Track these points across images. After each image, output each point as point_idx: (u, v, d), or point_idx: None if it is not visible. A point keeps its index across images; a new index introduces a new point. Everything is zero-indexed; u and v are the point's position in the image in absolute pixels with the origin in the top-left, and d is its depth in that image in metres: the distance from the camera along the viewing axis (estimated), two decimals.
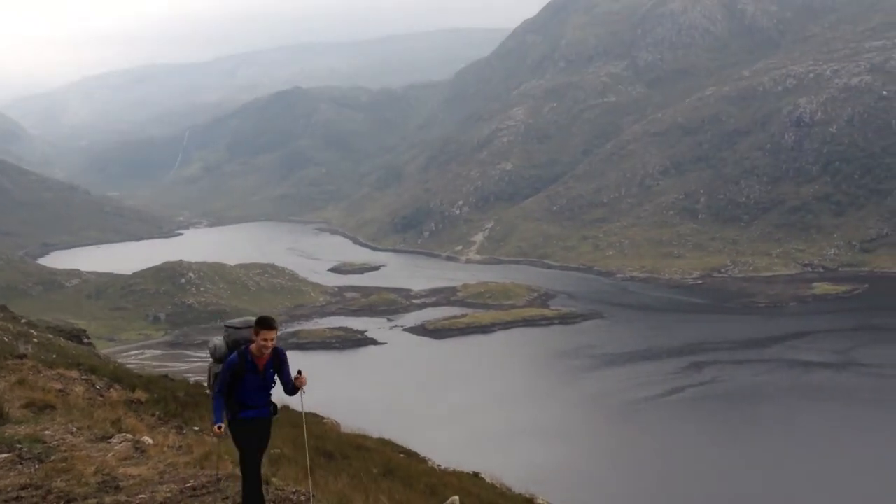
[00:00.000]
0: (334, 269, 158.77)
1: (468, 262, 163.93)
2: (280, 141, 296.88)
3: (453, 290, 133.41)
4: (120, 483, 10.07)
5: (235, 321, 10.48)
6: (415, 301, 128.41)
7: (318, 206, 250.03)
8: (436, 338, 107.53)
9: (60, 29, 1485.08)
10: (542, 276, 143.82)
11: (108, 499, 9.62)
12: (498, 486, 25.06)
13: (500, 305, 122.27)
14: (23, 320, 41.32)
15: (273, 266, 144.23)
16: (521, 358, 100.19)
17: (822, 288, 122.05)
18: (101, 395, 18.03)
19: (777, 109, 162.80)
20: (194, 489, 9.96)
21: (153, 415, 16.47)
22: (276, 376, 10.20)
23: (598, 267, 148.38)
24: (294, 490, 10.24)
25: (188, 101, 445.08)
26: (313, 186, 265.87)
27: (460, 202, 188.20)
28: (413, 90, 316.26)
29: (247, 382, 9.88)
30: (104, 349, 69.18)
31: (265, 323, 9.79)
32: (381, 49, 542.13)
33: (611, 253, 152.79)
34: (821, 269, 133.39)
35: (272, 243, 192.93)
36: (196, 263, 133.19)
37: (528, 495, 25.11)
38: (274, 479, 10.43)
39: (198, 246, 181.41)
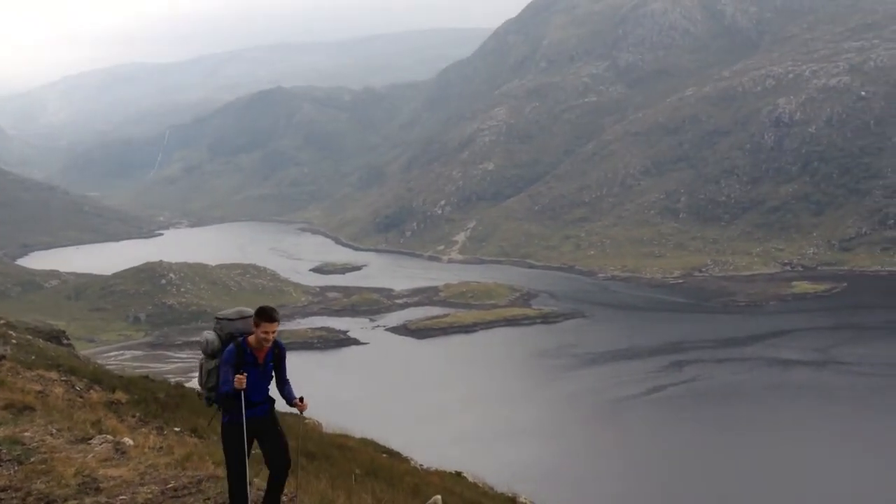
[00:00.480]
0: (316, 270, 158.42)
1: (450, 261, 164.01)
2: (261, 141, 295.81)
3: (435, 289, 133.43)
4: (100, 484, 10.01)
5: (228, 312, 9.87)
6: (397, 301, 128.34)
7: (299, 206, 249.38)
8: (418, 338, 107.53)
9: (38, 29, 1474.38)
10: (524, 276, 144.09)
11: (88, 500, 9.56)
12: (480, 485, 25.10)
13: (482, 305, 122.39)
14: (1, 321, 41.00)
15: (254, 266, 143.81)
16: (503, 357, 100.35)
17: (801, 287, 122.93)
18: (81, 397, 17.93)
19: (757, 110, 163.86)
20: (175, 490, 9.92)
21: (134, 416, 16.39)
22: (272, 371, 9.63)
23: (579, 266, 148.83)
24: None
25: (168, 100, 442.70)
26: (295, 186, 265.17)
27: (442, 202, 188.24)
28: (395, 90, 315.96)
29: (249, 376, 9.32)
30: (84, 350, 68.69)
31: (267, 314, 9.29)
32: (364, 49, 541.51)
33: (592, 252, 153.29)
34: (800, 268, 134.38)
35: (253, 243, 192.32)
36: (177, 264, 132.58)
37: (510, 494, 25.17)
38: (256, 480, 10.38)
39: (178, 246, 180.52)
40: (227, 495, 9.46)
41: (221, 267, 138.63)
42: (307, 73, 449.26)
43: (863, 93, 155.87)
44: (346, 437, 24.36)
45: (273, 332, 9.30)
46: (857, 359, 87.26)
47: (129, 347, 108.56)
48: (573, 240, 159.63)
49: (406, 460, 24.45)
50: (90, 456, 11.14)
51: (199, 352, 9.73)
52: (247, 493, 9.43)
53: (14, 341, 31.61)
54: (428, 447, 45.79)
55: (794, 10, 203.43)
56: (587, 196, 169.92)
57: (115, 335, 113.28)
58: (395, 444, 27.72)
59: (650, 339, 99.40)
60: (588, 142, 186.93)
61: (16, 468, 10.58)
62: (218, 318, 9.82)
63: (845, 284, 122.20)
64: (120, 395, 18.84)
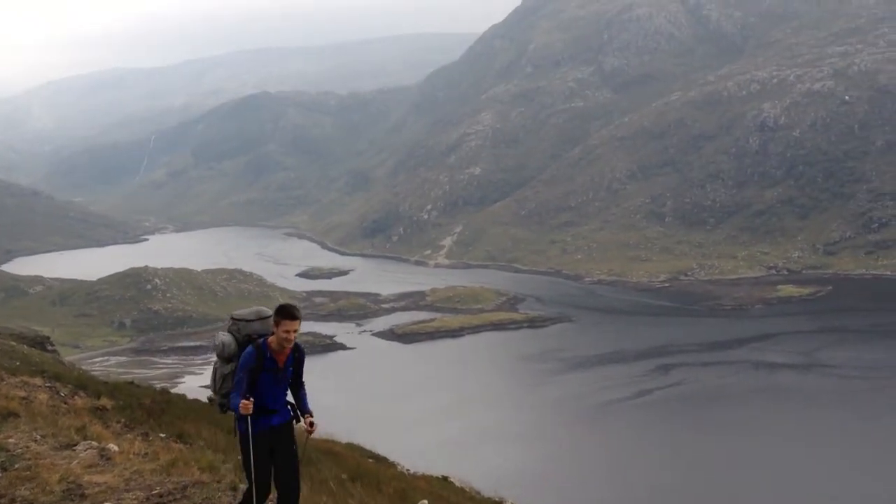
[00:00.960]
0: (303, 274, 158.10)
1: (437, 266, 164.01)
2: (247, 146, 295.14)
3: (422, 294, 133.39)
4: (85, 491, 9.97)
5: (244, 312, 9.18)
6: (384, 306, 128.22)
7: (285, 212, 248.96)
8: (405, 342, 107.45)
9: (22, 34, 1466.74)
10: (511, 280, 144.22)
11: None
12: (467, 489, 25.12)
13: (469, 309, 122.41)
14: None
15: (241, 271, 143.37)
16: (490, 362, 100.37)
17: (786, 290, 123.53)
18: (66, 403, 17.84)
19: (742, 114, 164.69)
20: (160, 496, 9.88)
21: (119, 422, 16.31)
22: (291, 374, 9.02)
23: (566, 270, 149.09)
24: None
25: (153, 105, 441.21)
26: (281, 191, 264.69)
27: (429, 207, 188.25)
28: (381, 95, 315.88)
29: (264, 382, 8.75)
30: (68, 356, 68.35)
31: (288, 312, 8.64)
32: (349, 53, 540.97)
33: (579, 257, 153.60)
34: (785, 272, 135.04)
35: (239, 249, 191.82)
36: (162, 269, 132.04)
37: (497, 498, 25.20)
38: (242, 485, 10.35)
39: (164, 251, 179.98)
40: (213, 502, 9.40)
41: (207, 272, 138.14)
42: (293, 77, 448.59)
43: (847, 97, 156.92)
44: (332, 442, 24.32)
45: (295, 332, 8.72)
46: (841, 362, 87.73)
47: (115, 353, 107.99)
48: (559, 244, 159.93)
49: (392, 465, 24.44)
50: (75, 462, 11.09)
51: (213, 355, 9.24)
52: None
53: None
54: (414, 452, 45.74)
55: (779, 15, 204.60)
56: (573, 200, 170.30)
57: (100, 341, 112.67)
58: (381, 449, 27.70)
59: (636, 343, 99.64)
60: (574, 146, 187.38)
61: (0, 475, 10.52)
62: (234, 319, 9.17)
63: (830, 288, 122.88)
64: (105, 401, 18.75)
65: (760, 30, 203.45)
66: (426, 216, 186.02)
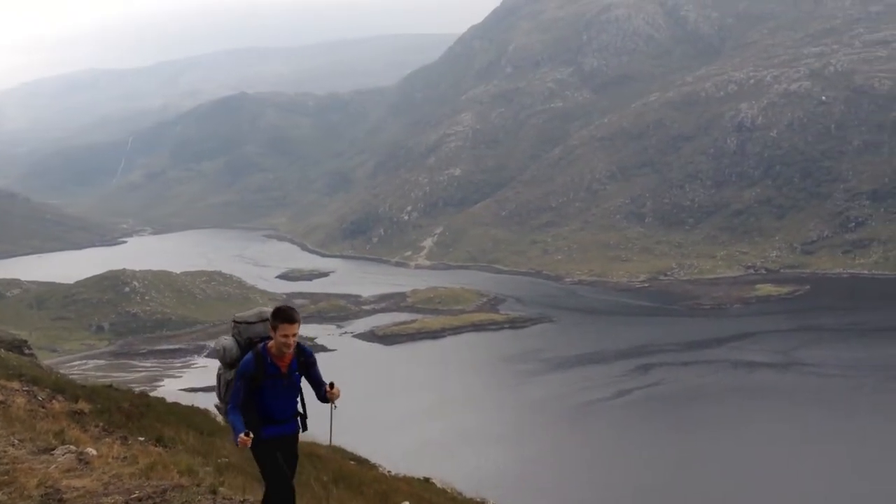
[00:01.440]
0: (283, 276, 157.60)
1: (417, 267, 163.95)
2: (225, 147, 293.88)
3: (403, 295, 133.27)
4: (63, 495, 9.85)
5: (247, 314, 8.82)
6: (364, 307, 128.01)
7: (264, 213, 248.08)
8: (386, 344, 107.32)
9: None
10: (492, 281, 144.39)
11: None
12: (449, 490, 25.08)
13: (450, 311, 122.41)
14: None
15: (220, 273, 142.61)
16: (471, 363, 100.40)
17: (765, 289, 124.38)
18: (44, 407, 17.65)
19: (719, 115, 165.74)
20: (140, 500, 9.78)
21: (97, 426, 16.15)
22: (301, 380, 8.62)
23: (546, 271, 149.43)
24: (242, 499, 10.11)
25: (130, 106, 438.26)
26: (260, 193, 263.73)
27: (409, 208, 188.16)
28: (360, 95, 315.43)
29: (268, 390, 8.34)
30: (46, 360, 67.73)
31: (284, 315, 8.23)
32: (327, 54, 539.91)
33: (559, 257, 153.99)
34: (763, 271, 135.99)
35: (218, 251, 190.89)
36: (140, 272, 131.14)
37: (478, 499, 25.18)
38: (221, 489, 10.26)
39: (142, 254, 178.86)
40: None
41: (186, 274, 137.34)
42: (270, 78, 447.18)
43: (823, 97, 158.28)
44: (313, 444, 24.19)
45: (294, 336, 8.28)
46: (819, 360, 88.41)
47: (93, 357, 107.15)
48: (540, 245, 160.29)
49: (374, 467, 24.36)
50: (53, 467, 10.96)
51: (217, 361, 8.79)
52: None
53: None
54: (396, 454, 45.65)
55: (756, 17, 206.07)
56: (554, 201, 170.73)
57: (78, 344, 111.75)
58: (363, 450, 27.60)
59: (617, 343, 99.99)
60: (554, 147, 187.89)
61: None
62: (236, 322, 8.80)
63: (808, 287, 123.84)
64: (83, 405, 18.57)
65: (737, 31, 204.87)
66: (406, 217, 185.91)
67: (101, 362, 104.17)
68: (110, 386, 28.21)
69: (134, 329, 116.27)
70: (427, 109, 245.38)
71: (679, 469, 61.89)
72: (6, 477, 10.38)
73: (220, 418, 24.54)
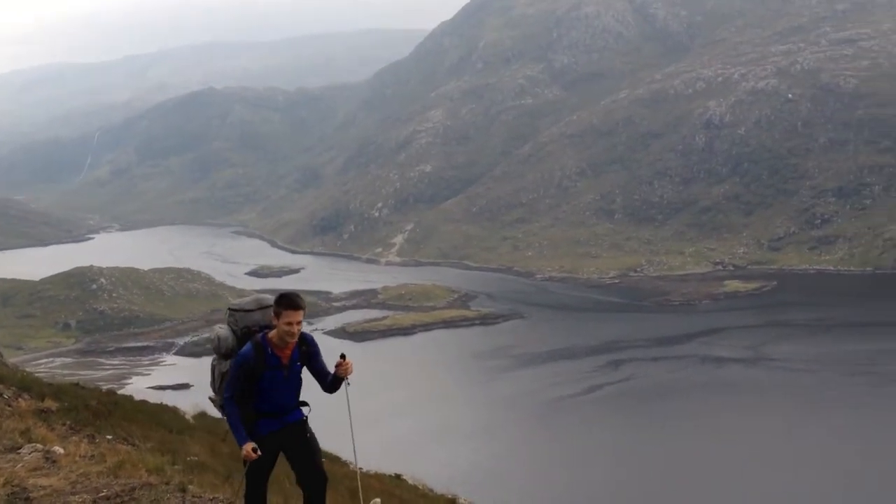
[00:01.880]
0: (252, 273, 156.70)
1: (388, 264, 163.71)
2: (193, 143, 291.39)
3: (374, 292, 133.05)
4: (30, 494, 9.69)
5: (244, 301, 8.31)
6: (335, 304, 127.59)
7: (233, 209, 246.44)
8: (357, 340, 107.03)
9: None
10: (463, 278, 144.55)
11: None
12: (420, 487, 25.06)
13: (421, 307, 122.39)
14: None
15: (188, 270, 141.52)
16: (442, 359, 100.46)
17: (732, 285, 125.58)
18: (10, 405, 17.38)
19: (688, 112, 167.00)
20: (108, 499, 9.64)
21: (64, 424, 15.93)
22: (302, 370, 8.21)
23: (517, 267, 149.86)
24: (212, 497, 10.00)
25: (96, 101, 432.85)
26: (229, 189, 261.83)
27: (380, 204, 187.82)
28: (330, 91, 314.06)
29: (267, 382, 7.92)
30: (12, 358, 66.79)
31: (289, 301, 7.74)
32: (296, 49, 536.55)
33: (530, 253, 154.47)
34: (731, 267, 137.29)
35: (187, 247, 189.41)
36: (107, 268, 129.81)
37: (450, 496, 25.18)
38: (190, 487, 10.15)
39: (109, 250, 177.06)
40: None
41: (154, 271, 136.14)
42: (239, 73, 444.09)
43: (790, 95, 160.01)
44: None
45: (298, 324, 7.80)
46: (786, 355, 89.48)
47: (59, 354, 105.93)
48: (511, 241, 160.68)
49: (345, 464, 24.26)
50: (19, 465, 10.79)
51: (211, 351, 8.38)
52: None
53: None
54: (367, 450, 45.51)
55: (724, 14, 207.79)
56: (524, 197, 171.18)
57: (45, 342, 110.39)
58: (333, 447, 27.47)
59: (587, 339, 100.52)
60: (524, 143, 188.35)
61: None
62: (232, 310, 8.25)
63: (775, 283, 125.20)
64: (50, 403, 18.29)
65: (706, 29, 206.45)
66: (377, 214, 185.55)
67: (68, 360, 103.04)
68: (77, 384, 27.86)
69: (101, 326, 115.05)
70: (397, 105, 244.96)
71: (648, 463, 62.33)
72: None
73: (189, 416, 24.32)
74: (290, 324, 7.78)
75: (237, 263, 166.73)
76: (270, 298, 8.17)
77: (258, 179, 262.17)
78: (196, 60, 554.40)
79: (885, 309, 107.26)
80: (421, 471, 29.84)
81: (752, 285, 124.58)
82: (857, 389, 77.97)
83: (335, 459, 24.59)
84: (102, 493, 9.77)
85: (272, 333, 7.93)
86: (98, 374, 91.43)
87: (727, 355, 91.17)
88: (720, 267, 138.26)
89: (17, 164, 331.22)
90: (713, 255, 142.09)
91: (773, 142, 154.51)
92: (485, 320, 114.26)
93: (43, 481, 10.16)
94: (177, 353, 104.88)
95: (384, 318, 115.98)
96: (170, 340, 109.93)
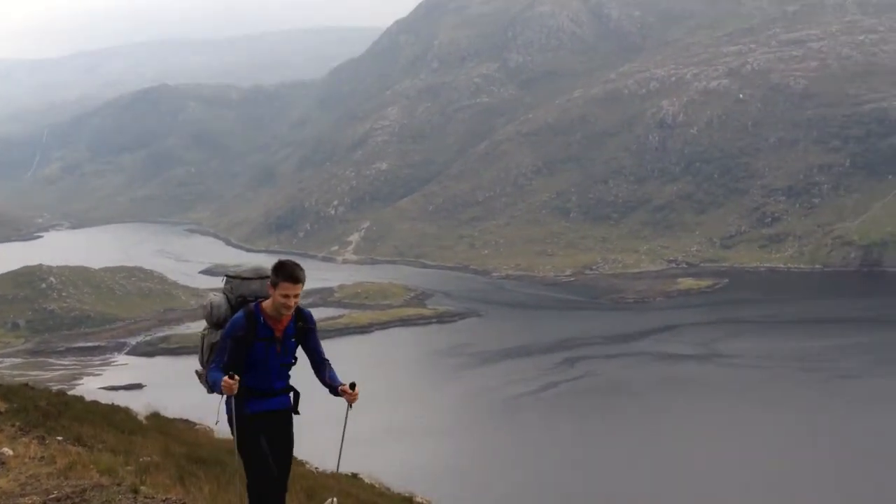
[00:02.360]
0: (206, 272, 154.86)
1: (345, 262, 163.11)
2: (146, 140, 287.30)
3: (330, 290, 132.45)
4: None
5: (242, 269, 7.87)
6: None
7: (187, 207, 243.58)
8: None
9: None
10: (419, 276, 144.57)
11: None
12: (377, 486, 25.02)
13: (378, 305, 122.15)
14: None
15: (141, 269, 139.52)
16: (399, 357, 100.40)
17: (686, 283, 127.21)
18: None
19: (642, 111, 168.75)
20: (58, 500, 9.49)
21: (13, 425, 15.64)
22: (297, 349, 7.77)
23: (474, 266, 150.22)
24: (164, 498, 9.87)
25: (46, 98, 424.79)
26: (182, 186, 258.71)
27: (336, 202, 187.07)
28: (285, 88, 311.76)
29: (257, 355, 7.41)
30: None
31: (288, 272, 7.29)
32: (251, 46, 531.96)
33: (486, 252, 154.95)
34: (685, 265, 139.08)
35: (139, 245, 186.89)
36: (57, 267, 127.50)
37: (406, 494, 25.17)
38: (143, 487, 10.01)
39: (59, 249, 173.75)
40: None
41: (105, 270, 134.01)
42: (193, 70, 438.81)
43: (741, 95, 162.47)
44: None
45: (296, 297, 7.42)
46: (738, 352, 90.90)
47: (8, 355, 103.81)
48: (467, 239, 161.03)
49: (301, 463, 24.10)
50: None
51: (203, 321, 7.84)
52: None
53: None
54: (323, 450, 45.32)
55: (676, 15, 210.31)
56: (480, 196, 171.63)
57: None
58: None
59: (543, 337, 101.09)
60: (480, 142, 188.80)
61: None
62: (229, 277, 7.78)
63: (727, 280, 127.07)
64: None
65: (659, 29, 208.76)
66: (333, 212, 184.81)
67: (17, 360, 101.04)
68: (27, 384, 27.35)
69: (51, 326, 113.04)
70: (353, 103, 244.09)
71: (604, 459, 62.89)
72: None
73: (141, 417, 23.98)
74: (286, 296, 7.36)
75: (190, 262, 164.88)
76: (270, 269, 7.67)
77: (212, 177, 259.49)
78: (150, 57, 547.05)
79: (834, 306, 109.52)
80: (378, 469, 29.77)
81: (704, 283, 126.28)
82: (806, 385, 79.47)
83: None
84: (53, 495, 9.63)
85: (266, 303, 7.49)
86: (48, 374, 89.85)
87: (680, 352, 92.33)
88: (674, 265, 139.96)
89: None
90: (667, 253, 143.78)
91: (725, 141, 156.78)
92: (441, 318, 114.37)
93: None
94: (129, 353, 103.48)
95: (340, 316, 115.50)
96: (122, 340, 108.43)
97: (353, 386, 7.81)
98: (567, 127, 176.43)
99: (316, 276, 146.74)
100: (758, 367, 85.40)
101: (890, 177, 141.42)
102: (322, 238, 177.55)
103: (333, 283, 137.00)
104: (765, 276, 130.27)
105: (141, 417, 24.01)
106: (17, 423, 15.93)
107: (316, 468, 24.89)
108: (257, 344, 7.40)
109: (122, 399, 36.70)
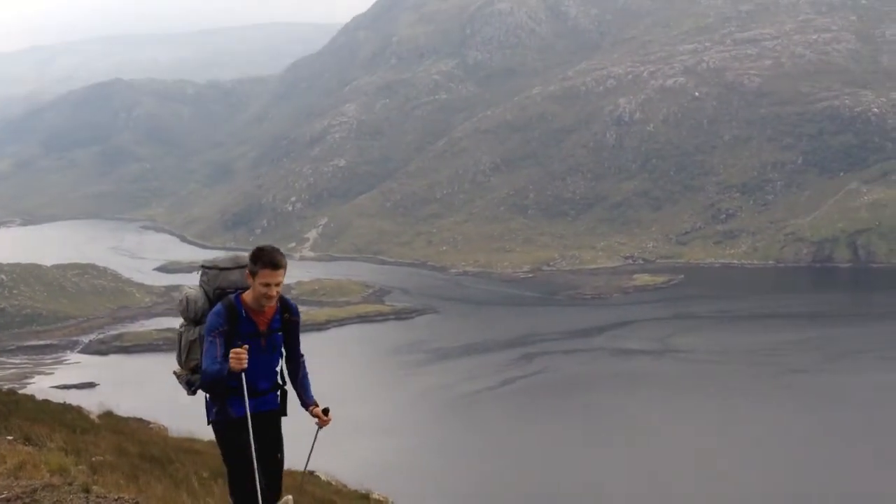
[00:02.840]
0: (161, 269, 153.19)
1: (302, 259, 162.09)
2: (99, 135, 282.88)
3: (287, 287, 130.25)
4: None
5: (219, 258, 7.28)
6: None
7: (141, 204, 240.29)
8: None
9: None
10: (377, 272, 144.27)
11: None
12: (334, 483, 24.93)
13: (335, 302, 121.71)
14: None
15: (94, 266, 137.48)
16: (356, 354, 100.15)
17: (642, 279, 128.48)
18: None
19: (599, 109, 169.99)
20: (8, 500, 9.34)
21: None
22: (283, 341, 7.25)
23: (432, 262, 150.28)
24: (117, 497, 9.76)
25: None
26: (136, 183, 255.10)
27: (293, 199, 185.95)
28: (242, 84, 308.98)
29: (248, 349, 6.78)
30: None
31: (268, 258, 6.70)
32: (207, 42, 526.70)
33: (444, 248, 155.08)
34: (641, 261, 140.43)
35: (92, 242, 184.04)
36: (8, 265, 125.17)
37: (363, 491, 25.12)
38: (95, 487, 9.88)
39: (10, 246, 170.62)
40: None
41: (57, 267, 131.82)
42: (147, 65, 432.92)
43: (696, 93, 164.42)
44: (193, 440, 23.64)
45: (277, 286, 6.85)
46: (692, 347, 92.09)
47: None
48: (425, 236, 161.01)
49: None
50: None
51: (180, 318, 7.30)
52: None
53: None
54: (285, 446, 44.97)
55: (633, 13, 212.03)
56: (438, 192, 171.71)
57: None
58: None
59: (501, 333, 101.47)
60: (439, 139, 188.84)
61: None
62: (205, 268, 7.22)
63: (682, 276, 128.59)
64: None
65: (615, 27, 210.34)
66: (290, 208, 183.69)
67: None
68: None
69: (1, 325, 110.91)
70: (311, 99, 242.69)
71: (560, 455, 63.28)
72: None
73: (94, 416, 23.63)
74: (267, 284, 6.76)
75: (145, 259, 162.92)
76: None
77: (167, 174, 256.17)
78: (103, 52, 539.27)
79: (786, 301, 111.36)
80: (334, 467, 29.65)
81: (660, 279, 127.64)
82: (759, 379, 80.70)
83: None
84: (2, 496, 9.50)
85: (246, 294, 6.91)
86: None
87: (636, 347, 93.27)
88: (630, 261, 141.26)
89: None
90: (623, 249, 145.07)
91: (681, 139, 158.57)
92: (399, 315, 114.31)
93: None
94: (81, 352, 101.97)
95: None
96: (74, 338, 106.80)
97: (326, 411, 7.39)
98: (525, 124, 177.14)
99: None
100: (712, 362, 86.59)
101: (841, 174, 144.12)
102: (279, 235, 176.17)
103: (291, 280, 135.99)
104: (719, 272, 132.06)
105: (93, 416, 23.67)
106: None
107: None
108: (239, 342, 6.79)
109: (74, 398, 36.15)
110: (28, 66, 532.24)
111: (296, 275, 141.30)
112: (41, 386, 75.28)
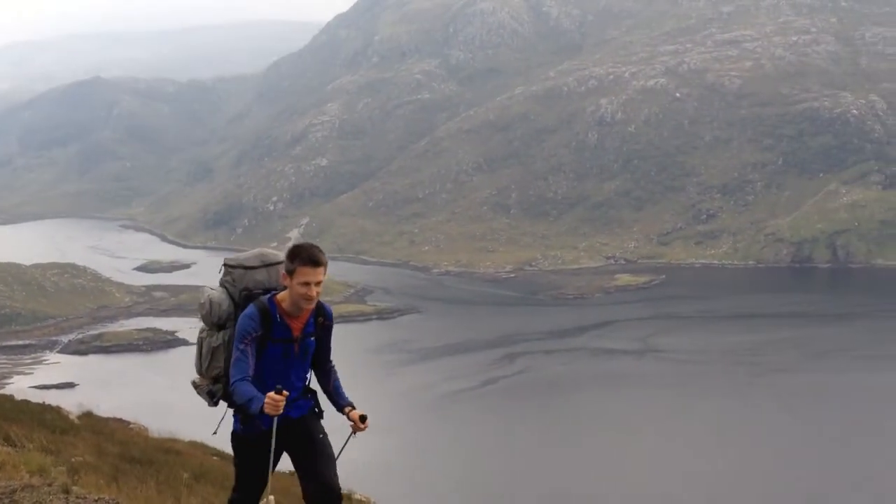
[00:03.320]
0: (141, 268, 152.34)
1: None
2: (79, 134, 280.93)
3: None
4: None
5: (243, 256, 6.60)
6: None
7: (121, 203, 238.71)
8: None
9: None
10: (359, 272, 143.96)
11: None
12: None
13: None
14: None
15: (73, 266, 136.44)
16: (338, 354, 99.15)
17: (623, 279, 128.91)
18: None
19: (581, 109, 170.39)
20: None
21: None
22: (315, 347, 6.80)
23: (414, 262, 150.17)
24: (97, 498, 9.62)
25: None
26: (116, 182, 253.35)
27: (274, 198, 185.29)
28: (223, 83, 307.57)
29: (272, 359, 6.37)
30: None
31: (308, 256, 6.12)
32: (188, 40, 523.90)
33: (427, 248, 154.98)
34: (622, 261, 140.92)
35: (72, 241, 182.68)
36: None
37: (346, 491, 24.94)
38: (75, 488, 9.75)
39: None
40: None
41: (36, 267, 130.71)
42: (128, 63, 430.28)
43: (677, 94, 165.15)
44: (174, 440, 23.46)
45: (318, 285, 6.20)
46: (673, 346, 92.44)
47: None
48: (407, 235, 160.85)
49: None
50: None
51: (200, 322, 6.71)
52: None
53: None
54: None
55: (614, 14, 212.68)
56: (421, 192, 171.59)
57: None
58: (226, 446, 26.92)
59: (484, 333, 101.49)
60: (421, 138, 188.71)
61: None
62: (229, 266, 6.54)
63: (663, 276, 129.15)
64: None
65: (597, 27, 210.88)
66: (272, 208, 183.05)
67: None
68: None
69: None
70: (293, 98, 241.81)
71: (542, 455, 63.36)
72: None
73: (73, 416, 23.40)
74: (306, 284, 6.14)
75: (125, 258, 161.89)
76: (278, 255, 6.59)
77: (147, 172, 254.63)
78: (83, 49, 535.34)
79: (767, 301, 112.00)
80: None
81: (642, 279, 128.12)
82: (740, 378, 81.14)
83: (227, 458, 24.07)
84: None
85: (282, 296, 6.33)
86: None
87: (618, 347, 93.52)
88: (612, 261, 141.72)
89: None
90: (605, 249, 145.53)
91: (662, 139, 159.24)
92: (381, 315, 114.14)
93: None
94: (61, 352, 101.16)
95: None
96: (53, 338, 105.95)
97: (363, 418, 6.97)
98: (507, 124, 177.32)
99: None
100: (693, 362, 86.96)
101: (821, 175, 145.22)
102: (260, 234, 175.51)
103: None
104: (700, 273, 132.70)
105: (73, 417, 23.43)
106: None
107: None
108: (271, 347, 6.34)
109: (53, 398, 35.79)
110: (6, 64, 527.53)
111: None
112: (20, 386, 74.66)
